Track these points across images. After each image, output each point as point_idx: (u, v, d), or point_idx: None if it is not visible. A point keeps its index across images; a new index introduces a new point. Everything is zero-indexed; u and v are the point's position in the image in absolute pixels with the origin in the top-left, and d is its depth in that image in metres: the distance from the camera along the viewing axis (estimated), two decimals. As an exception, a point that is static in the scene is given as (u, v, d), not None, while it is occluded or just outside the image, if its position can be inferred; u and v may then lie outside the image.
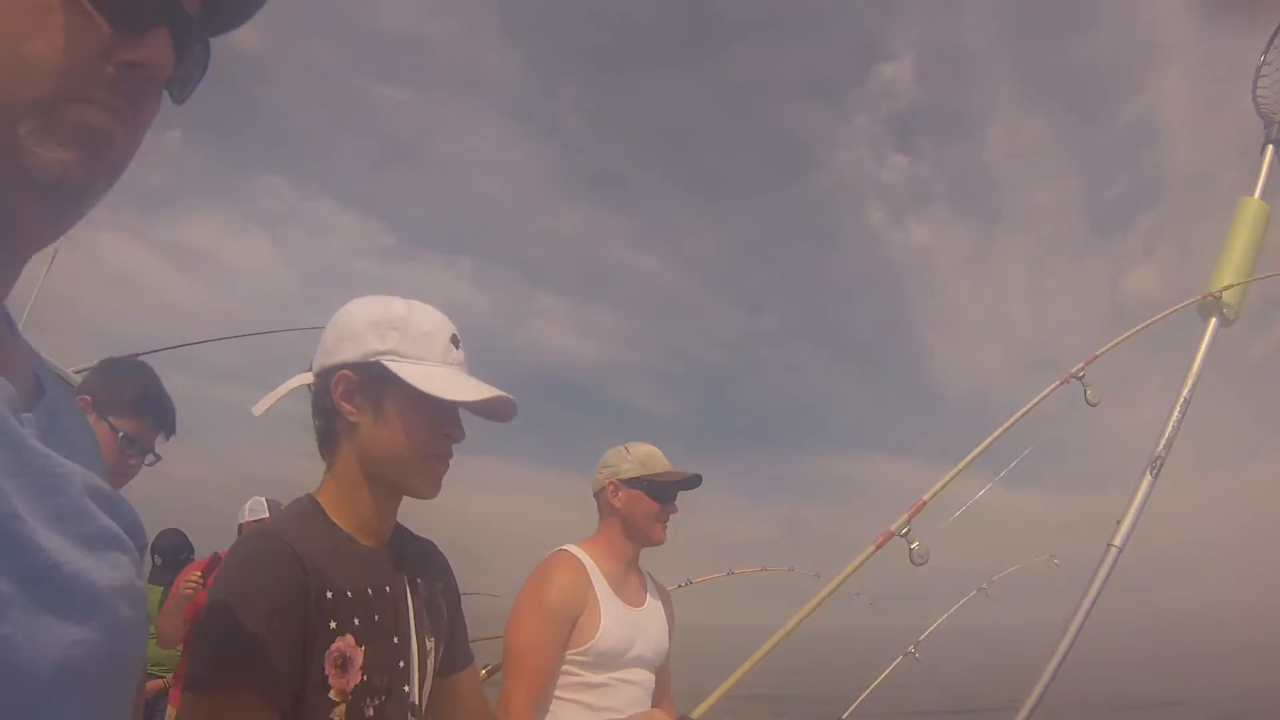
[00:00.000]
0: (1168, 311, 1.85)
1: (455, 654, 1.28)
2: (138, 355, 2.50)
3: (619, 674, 2.06)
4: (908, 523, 1.60)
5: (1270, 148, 2.16)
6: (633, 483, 2.14)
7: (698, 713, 1.30)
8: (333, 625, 1.01)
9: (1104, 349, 1.81)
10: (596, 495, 2.22)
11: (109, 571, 0.40)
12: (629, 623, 2.10)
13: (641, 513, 2.13)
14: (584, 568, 2.07)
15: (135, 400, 1.73)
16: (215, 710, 0.91)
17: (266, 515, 3.32)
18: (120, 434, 1.67)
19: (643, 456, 2.18)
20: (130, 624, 0.41)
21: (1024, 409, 1.77)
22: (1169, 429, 1.71)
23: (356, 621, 1.04)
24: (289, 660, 0.96)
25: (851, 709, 3.03)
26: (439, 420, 1.10)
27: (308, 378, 1.14)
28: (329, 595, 1.01)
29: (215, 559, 3.38)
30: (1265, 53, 2.42)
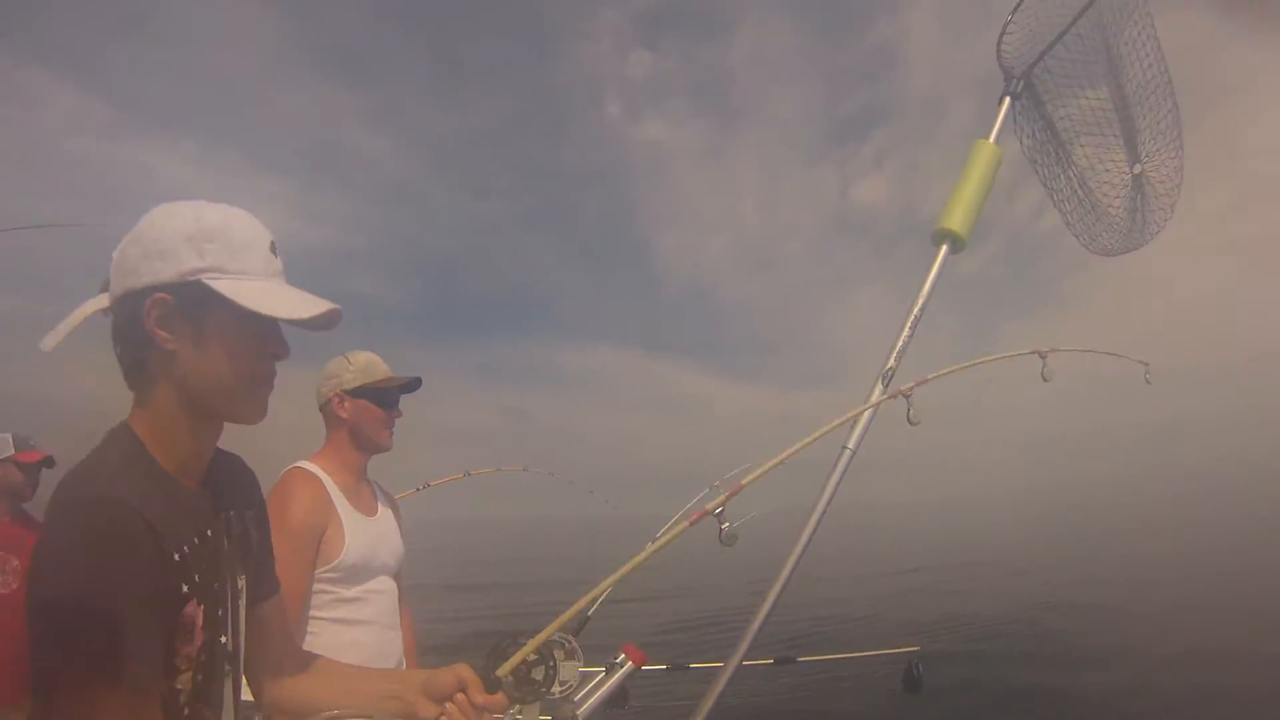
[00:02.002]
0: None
1: (261, 583, 1.23)
2: None
3: (369, 585, 2.10)
4: (723, 504, 1.66)
5: (1008, 99, 2.46)
6: (357, 392, 2.16)
7: (504, 670, 1.31)
8: (185, 589, 0.95)
9: (933, 375, 2.02)
10: (322, 408, 2.20)
11: None
12: (370, 533, 2.13)
13: (369, 421, 2.16)
14: (321, 483, 2.07)
15: None
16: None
17: (13, 452, 3.05)
18: None
19: (364, 365, 2.19)
20: None
21: (844, 417, 1.86)
22: (899, 343, 1.96)
23: (196, 579, 0.98)
24: (159, 643, 0.90)
25: (597, 604, 3.21)
26: (265, 340, 1.03)
27: (104, 301, 1.00)
28: (176, 558, 0.94)
29: None
30: (1014, 11, 2.72)
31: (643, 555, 1.55)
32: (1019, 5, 2.71)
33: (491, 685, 1.25)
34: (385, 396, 2.19)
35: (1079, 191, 2.48)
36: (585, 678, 2.51)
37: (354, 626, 2.02)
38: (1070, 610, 12.33)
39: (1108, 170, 2.47)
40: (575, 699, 2.49)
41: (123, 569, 0.86)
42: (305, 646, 1.79)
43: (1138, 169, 2.55)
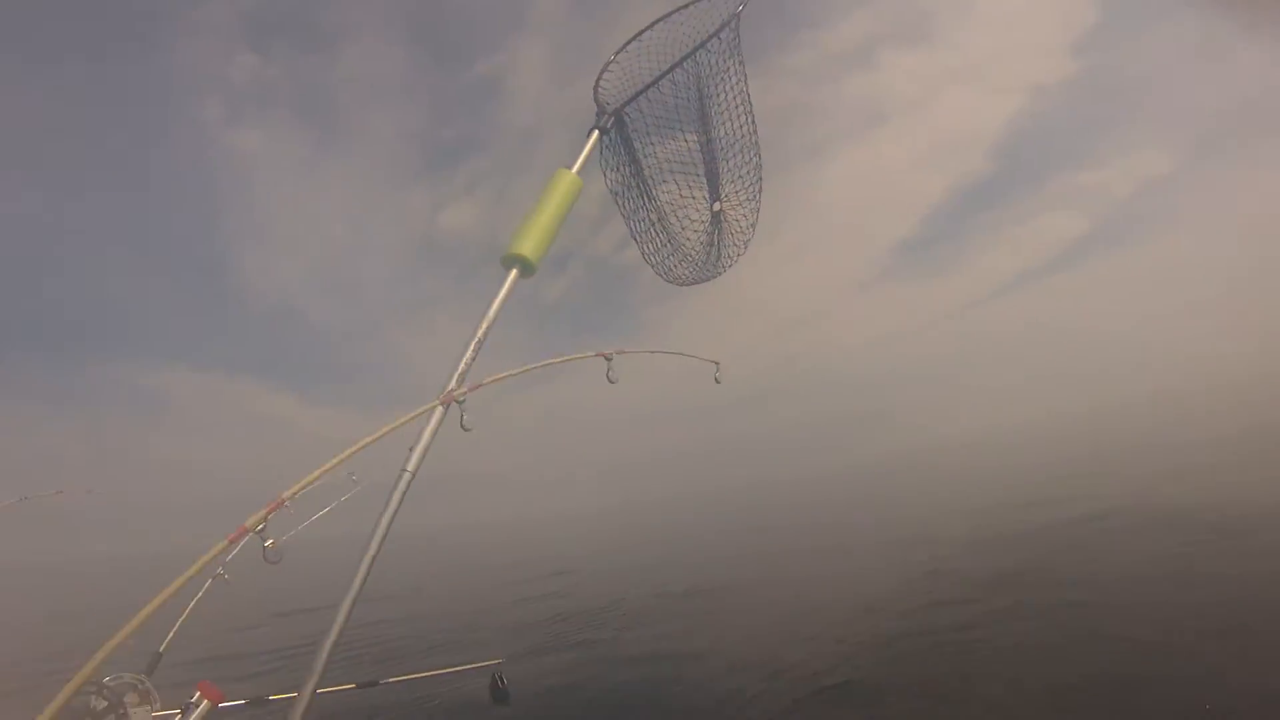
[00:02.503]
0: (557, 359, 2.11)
1: None
2: None
3: None
4: (264, 519, 1.60)
5: (596, 133, 2.60)
6: None
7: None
8: None
9: (490, 379, 2.01)
10: None
11: None
12: None
13: None
14: None
15: None
16: None
17: None
18: None
19: None
20: None
21: (396, 424, 1.84)
22: (461, 366, 1.95)
23: None
24: None
25: (168, 640, 3.00)
26: None
27: None
28: None
29: None
30: (618, 53, 2.90)
31: (174, 586, 1.47)
32: (623, 48, 2.91)
33: None
34: None
35: (657, 225, 2.70)
36: None
37: None
38: (651, 611, 13.27)
39: (687, 206, 2.73)
40: None
41: None
42: None
43: (717, 206, 2.85)
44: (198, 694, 2.14)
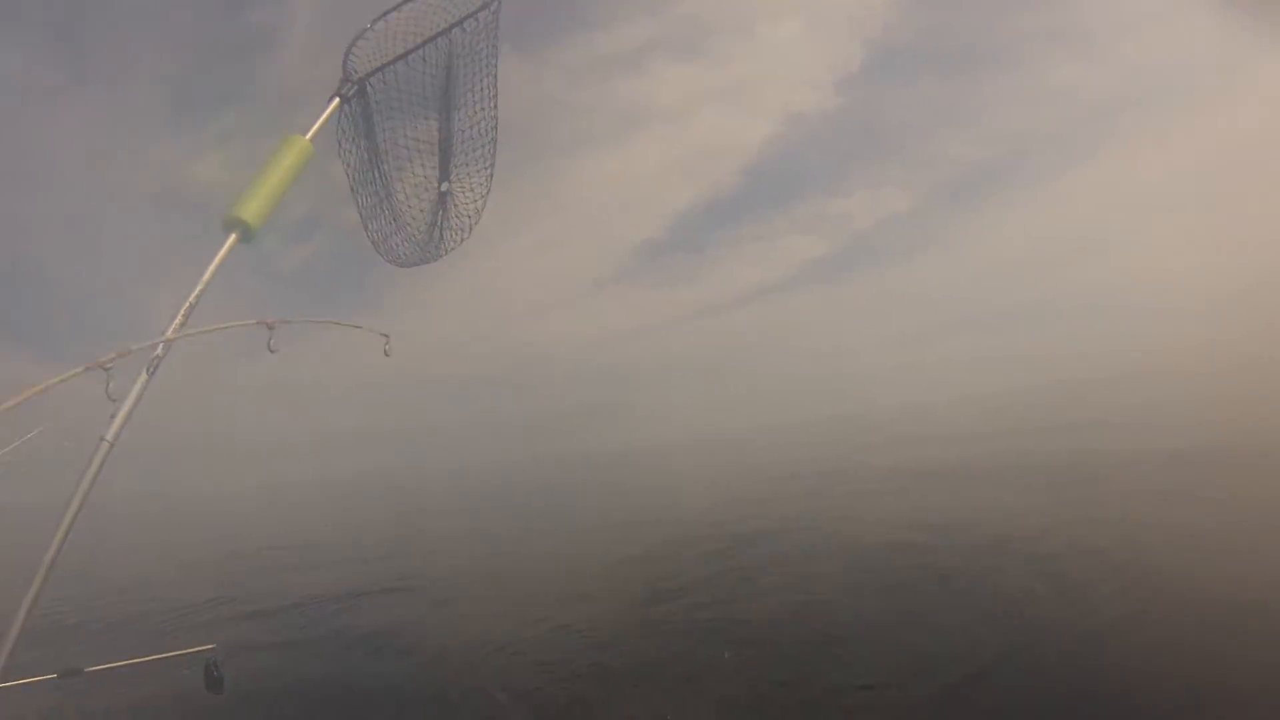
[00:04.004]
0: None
1: None
2: None
3: None
4: None
5: (337, 100, 2.61)
6: None
7: None
8: None
9: (137, 346, 1.88)
10: None
11: None
12: None
13: None
14: None
15: None
16: None
17: None
18: None
19: None
20: None
21: (41, 386, 1.75)
22: (169, 332, 1.96)
23: None
24: None
25: None
26: None
27: None
28: None
29: None
30: (374, 22, 2.84)
31: None
32: (381, 17, 2.87)
33: None
34: None
35: (385, 202, 2.80)
36: None
37: None
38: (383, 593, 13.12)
39: (415, 184, 2.84)
40: None
41: None
42: None
43: (445, 186, 3.00)
44: None
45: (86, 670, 2.87)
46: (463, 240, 3.04)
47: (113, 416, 1.85)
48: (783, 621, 8.35)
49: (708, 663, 7.31)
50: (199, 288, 2.04)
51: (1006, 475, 18.28)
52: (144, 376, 1.91)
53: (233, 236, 2.14)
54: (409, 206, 2.83)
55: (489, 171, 3.17)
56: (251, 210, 2.16)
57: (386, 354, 2.98)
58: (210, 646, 3.00)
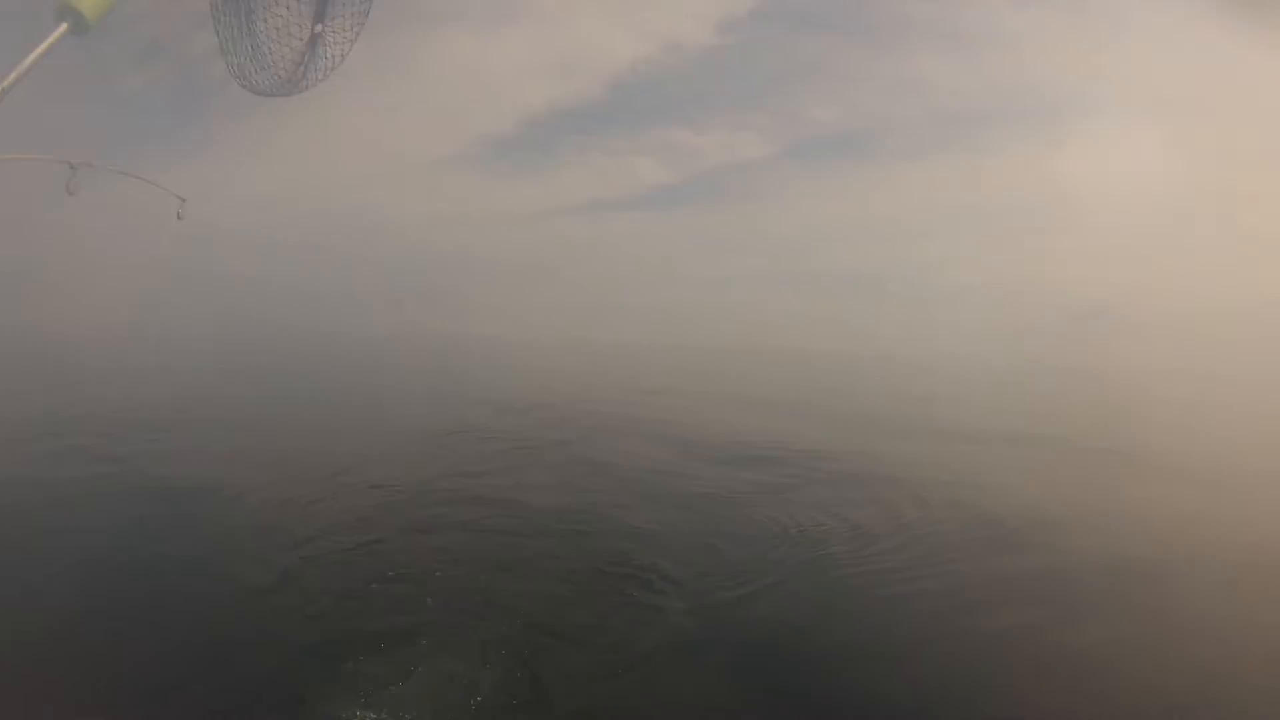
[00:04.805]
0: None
1: None
2: None
3: None
4: None
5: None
6: None
7: None
8: None
9: None
10: None
11: None
12: None
13: None
14: None
15: None
16: None
17: None
18: None
19: None
20: None
21: None
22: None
23: None
24: None
25: None
26: None
27: None
28: None
29: None
30: None
31: None
32: None
33: None
34: None
35: (245, 30, 2.64)
36: None
37: None
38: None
39: (286, 18, 2.70)
40: None
41: None
42: None
43: (319, 28, 2.87)
44: None
45: None
46: (322, 78, 2.95)
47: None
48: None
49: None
50: (15, 74, 1.89)
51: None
52: None
53: (64, 26, 1.97)
54: (276, 42, 2.70)
55: (365, 14, 3.05)
56: (88, 1, 1.99)
57: (180, 217, 2.83)
58: None
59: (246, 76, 2.71)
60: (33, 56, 1.91)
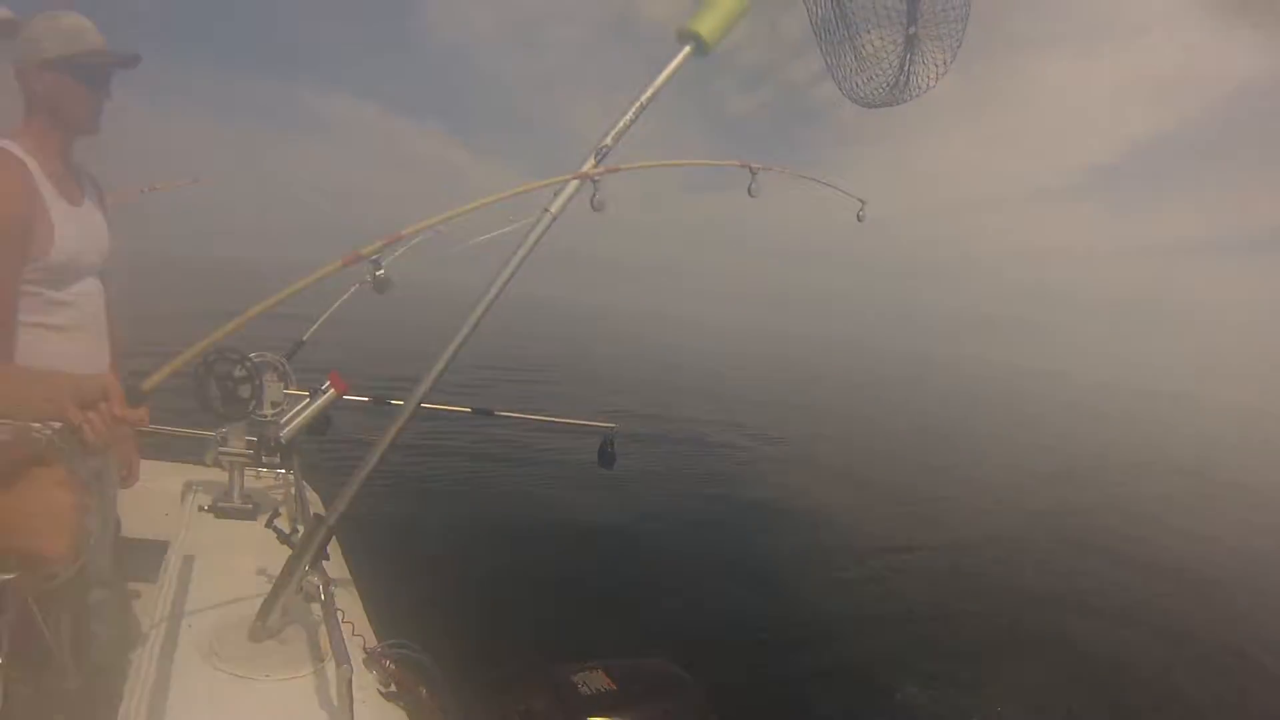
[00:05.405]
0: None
1: None
2: None
3: (78, 287, 1.91)
4: (379, 249, 1.61)
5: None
6: (58, 64, 1.83)
7: (149, 384, 1.25)
8: None
9: (627, 166, 1.95)
10: (18, 76, 1.85)
11: None
12: (78, 226, 1.90)
13: (70, 100, 1.86)
14: (24, 166, 1.78)
15: None
16: None
17: None
18: None
19: (69, 31, 1.83)
20: None
21: (528, 187, 1.81)
22: (621, 124, 1.96)
23: None
24: None
25: (311, 331, 3.31)
26: None
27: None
28: None
29: None
30: None
31: (291, 289, 1.45)
32: None
33: (134, 398, 1.22)
34: (93, 74, 1.86)
35: (848, 39, 2.53)
36: (292, 401, 2.46)
37: (60, 333, 1.85)
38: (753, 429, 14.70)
39: (883, 24, 2.53)
40: (281, 421, 2.43)
41: None
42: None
43: (913, 30, 2.64)
44: (327, 383, 2.39)
45: (498, 412, 3.27)
46: (928, 88, 2.69)
47: (547, 208, 1.87)
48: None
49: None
50: (651, 90, 1.99)
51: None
52: (574, 185, 1.88)
53: (686, 48, 2.07)
54: (876, 45, 2.56)
55: (962, 26, 2.76)
56: (707, 25, 2.07)
57: (860, 219, 2.79)
58: (611, 425, 3.19)
59: (854, 88, 2.61)
60: (664, 75, 2.03)
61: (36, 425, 1.16)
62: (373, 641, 1.73)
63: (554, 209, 1.87)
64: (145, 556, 2.59)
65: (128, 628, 2.54)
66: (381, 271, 1.64)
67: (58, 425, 1.17)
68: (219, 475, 2.60)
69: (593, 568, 6.14)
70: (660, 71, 2.02)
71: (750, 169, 2.33)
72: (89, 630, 2.02)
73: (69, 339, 1.88)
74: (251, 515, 2.49)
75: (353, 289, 3.13)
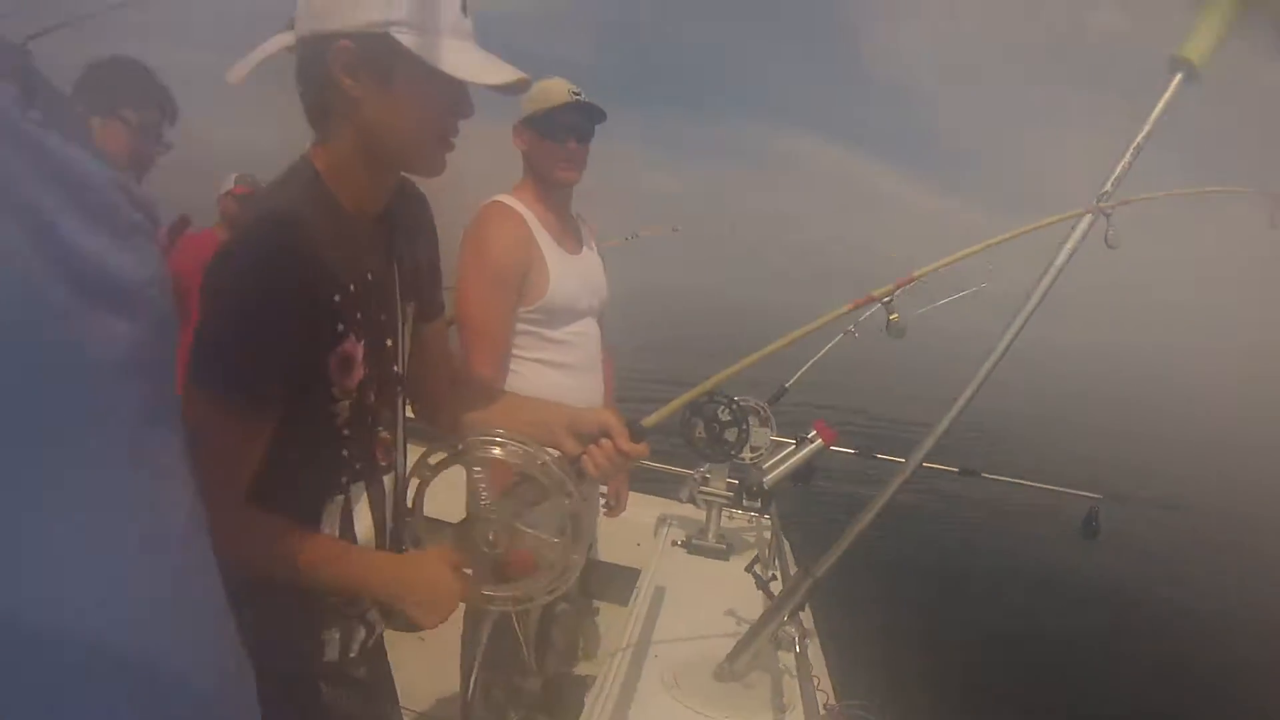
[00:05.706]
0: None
1: (425, 304, 1.24)
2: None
3: (573, 327, 2.04)
4: (892, 293, 1.56)
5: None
6: (527, 121, 1.96)
7: (650, 421, 1.21)
8: (339, 328, 0.99)
9: (1138, 198, 1.76)
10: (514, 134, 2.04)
11: (142, 265, 0.38)
12: (575, 272, 2.03)
13: (538, 152, 1.98)
14: (522, 218, 1.94)
15: (139, 92, 1.76)
16: (212, 415, 0.89)
17: (233, 187, 3.24)
18: (135, 126, 1.73)
19: (536, 92, 1.92)
20: (168, 313, 0.40)
21: (1046, 221, 1.67)
22: (1119, 169, 1.78)
23: (358, 316, 1.02)
24: (292, 373, 0.95)
25: (795, 378, 3.30)
26: (451, 100, 1.01)
27: (288, 39, 0.98)
28: (336, 299, 0.98)
29: (184, 221, 3.02)
30: None
31: (801, 332, 1.45)
32: None
33: (637, 434, 1.17)
34: (552, 125, 1.93)
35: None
36: (776, 447, 2.40)
37: (555, 369, 2.00)
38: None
39: None
40: (764, 466, 2.35)
41: (267, 290, 0.91)
42: (506, 388, 1.83)
43: None
44: (814, 432, 2.28)
45: (983, 475, 3.07)
46: None
47: (1060, 243, 1.72)
48: None
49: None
50: (1146, 128, 1.78)
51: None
52: (1087, 220, 1.70)
53: (1177, 77, 1.81)
54: None
55: None
56: (1195, 48, 1.78)
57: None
58: (1098, 496, 2.83)
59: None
60: (1156, 111, 1.81)
61: (549, 451, 1.14)
62: (832, 699, 1.67)
63: (1068, 246, 1.72)
64: (615, 580, 2.69)
65: (591, 643, 2.74)
66: (894, 316, 1.59)
67: (555, 454, 1.16)
68: (692, 512, 2.62)
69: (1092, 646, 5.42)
70: (1151, 105, 1.81)
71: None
72: (550, 637, 2.20)
73: (565, 374, 2.01)
74: (724, 555, 2.47)
75: (838, 337, 3.23)
